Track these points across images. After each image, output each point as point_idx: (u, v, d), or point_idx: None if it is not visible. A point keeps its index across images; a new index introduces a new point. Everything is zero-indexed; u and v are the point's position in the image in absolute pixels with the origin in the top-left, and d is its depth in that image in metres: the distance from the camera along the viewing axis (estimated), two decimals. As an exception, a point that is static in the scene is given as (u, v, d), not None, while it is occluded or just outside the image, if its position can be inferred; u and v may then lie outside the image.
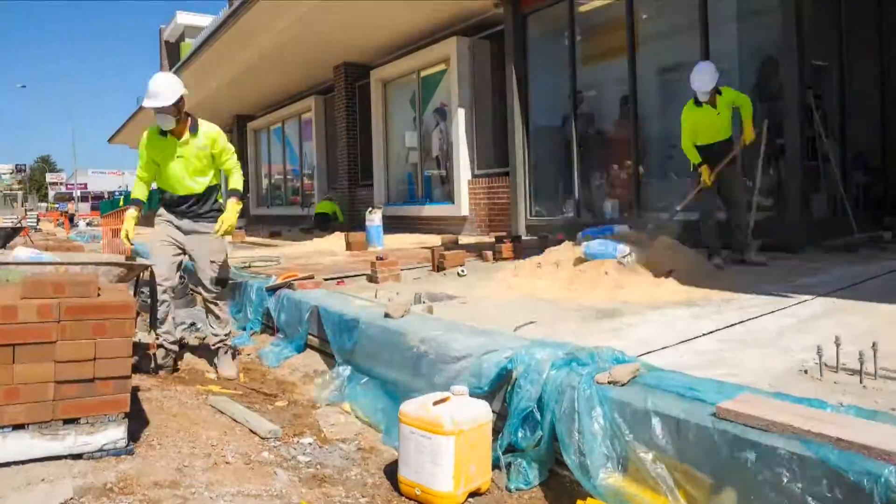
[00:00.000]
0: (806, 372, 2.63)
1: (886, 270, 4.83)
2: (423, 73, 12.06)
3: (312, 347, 4.16)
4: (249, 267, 6.62)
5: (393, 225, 12.61)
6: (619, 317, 3.62)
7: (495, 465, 2.46)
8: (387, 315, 3.49)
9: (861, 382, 2.46)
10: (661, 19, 8.22)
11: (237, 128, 20.71)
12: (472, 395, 2.48)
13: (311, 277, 5.04)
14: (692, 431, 2.02)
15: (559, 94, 9.28)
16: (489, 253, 6.71)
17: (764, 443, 1.83)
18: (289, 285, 4.81)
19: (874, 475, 1.61)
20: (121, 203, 31.41)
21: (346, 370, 3.51)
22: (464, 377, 2.69)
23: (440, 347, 2.95)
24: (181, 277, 6.49)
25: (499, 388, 2.62)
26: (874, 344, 2.64)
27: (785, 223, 6.61)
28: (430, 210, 11.83)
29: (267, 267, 6.61)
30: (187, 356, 4.29)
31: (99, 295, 2.33)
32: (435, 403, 2.34)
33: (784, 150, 6.82)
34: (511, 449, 2.48)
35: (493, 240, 7.64)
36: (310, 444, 2.79)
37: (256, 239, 11.69)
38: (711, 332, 3.27)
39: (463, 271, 5.74)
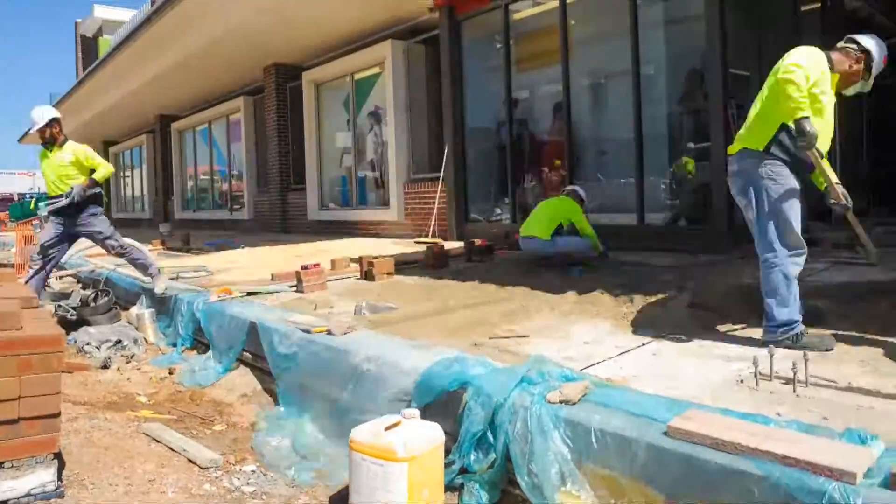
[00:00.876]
0: (742, 381, 2.72)
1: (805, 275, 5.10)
2: (356, 76, 11.92)
3: (248, 364, 4.02)
4: (178, 278, 6.35)
5: (327, 230, 12.43)
6: (564, 326, 3.67)
7: (447, 487, 2.43)
8: (329, 332, 3.41)
9: (794, 391, 2.57)
10: (594, 26, 8.42)
11: (160, 128, 19.91)
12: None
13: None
14: (644, 450, 2.05)
15: (495, 99, 9.37)
16: (422, 259, 6.71)
17: (714, 461, 1.88)
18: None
19: (818, 492, 1.67)
20: (31, 206, 29.65)
21: (286, 390, 3.41)
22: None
23: (386, 366, 2.90)
24: (104, 291, 6.18)
25: (450, 407, 2.60)
26: (805, 354, 2.78)
27: (712, 229, 6.89)
28: (364, 215, 11.71)
29: (197, 279, 6.36)
30: (116, 378, 4.07)
31: (22, 328, 2.15)
32: (387, 429, 2.29)
33: (710, 157, 7.10)
34: (463, 469, 2.46)
35: (427, 247, 7.63)
36: (253, 472, 2.68)
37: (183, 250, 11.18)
38: (647, 344, 3.35)
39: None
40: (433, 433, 2.36)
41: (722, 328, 3.54)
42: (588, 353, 3.18)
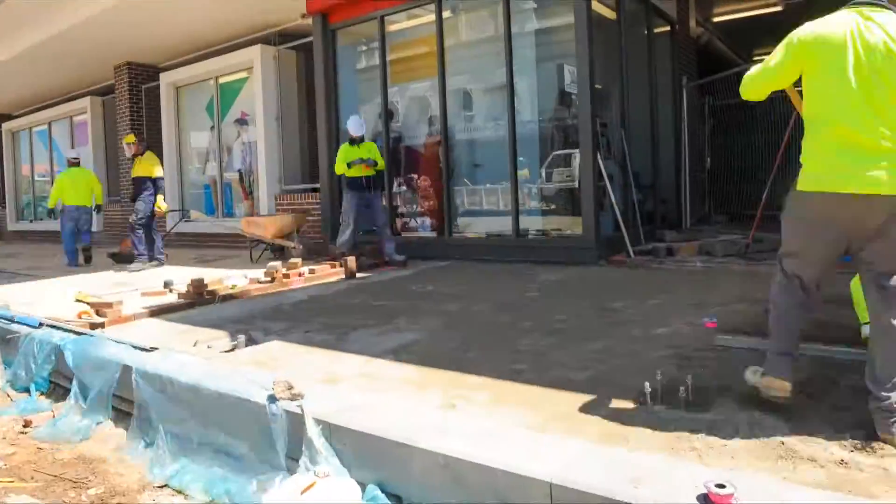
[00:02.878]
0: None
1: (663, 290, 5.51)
2: (221, 80, 11.32)
3: (123, 411, 3.65)
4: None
5: (190, 243, 11.69)
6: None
7: (363, 543, 2.34)
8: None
9: (685, 411, 2.73)
10: (470, 39, 8.57)
11: (-12, 128, 17.75)
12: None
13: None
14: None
15: (370, 109, 9.28)
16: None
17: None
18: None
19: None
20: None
21: (172, 441, 3.13)
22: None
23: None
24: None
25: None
26: (689, 377, 2.99)
27: (581, 241, 7.26)
28: (231, 227, 11.14)
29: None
30: (-43, 437, 3.53)
31: None
32: (303, 492, 2.17)
33: (580, 171, 7.49)
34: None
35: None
36: (144, 545, 2.43)
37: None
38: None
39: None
40: (351, 490, 2.27)
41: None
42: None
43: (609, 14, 8.04)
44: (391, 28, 8.88)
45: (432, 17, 8.21)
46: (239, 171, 11.46)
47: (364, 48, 9.45)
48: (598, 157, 7.19)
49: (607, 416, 2.63)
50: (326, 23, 9.15)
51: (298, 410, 2.72)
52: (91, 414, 3.68)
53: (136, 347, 3.87)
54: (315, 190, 9.70)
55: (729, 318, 4.09)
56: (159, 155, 12.33)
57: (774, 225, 7.68)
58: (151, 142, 12.74)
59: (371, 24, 8.85)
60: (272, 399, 2.82)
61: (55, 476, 3.05)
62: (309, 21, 9.34)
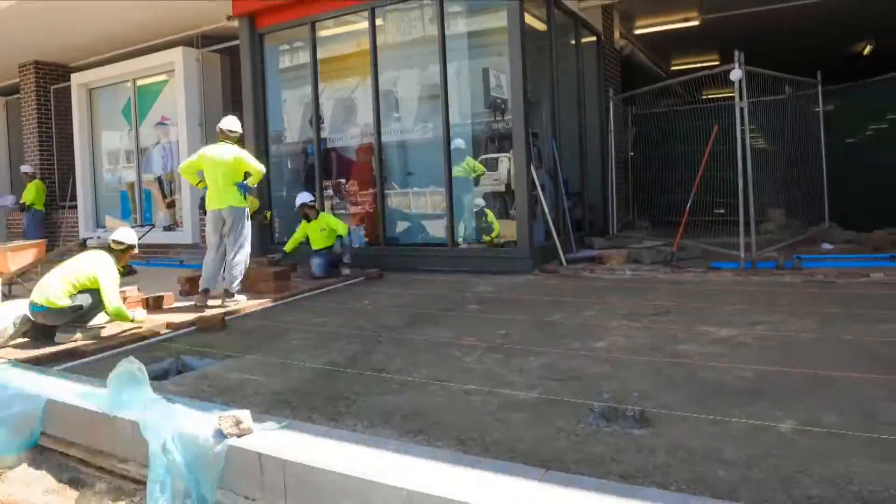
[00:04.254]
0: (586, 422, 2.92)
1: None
2: (139, 82, 10.78)
3: (53, 450, 3.40)
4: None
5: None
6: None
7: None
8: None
9: (633, 430, 2.79)
10: (403, 44, 8.49)
11: None
12: None
13: None
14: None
15: (301, 115, 9.06)
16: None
17: None
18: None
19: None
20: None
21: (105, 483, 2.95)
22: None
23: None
24: None
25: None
26: (635, 394, 3.09)
27: (516, 251, 7.36)
28: (151, 237, 10.62)
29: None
30: None
31: None
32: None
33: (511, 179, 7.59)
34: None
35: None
36: None
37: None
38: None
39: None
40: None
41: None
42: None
43: (540, 26, 8.19)
44: (322, 33, 8.70)
45: (365, 23, 8.11)
46: (159, 177, 10.94)
47: (293, 53, 9.22)
48: (531, 167, 7.31)
49: (563, 439, 2.66)
50: (254, 26, 8.85)
51: (248, 447, 2.62)
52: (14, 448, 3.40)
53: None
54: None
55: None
56: (71, 160, 11.67)
57: (697, 232, 8.00)
58: (61, 145, 12.05)
59: (301, 29, 8.63)
60: (220, 435, 2.70)
61: (-26, 526, 2.81)
62: (235, 24, 9.03)
